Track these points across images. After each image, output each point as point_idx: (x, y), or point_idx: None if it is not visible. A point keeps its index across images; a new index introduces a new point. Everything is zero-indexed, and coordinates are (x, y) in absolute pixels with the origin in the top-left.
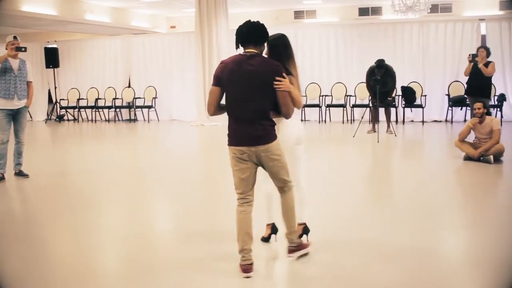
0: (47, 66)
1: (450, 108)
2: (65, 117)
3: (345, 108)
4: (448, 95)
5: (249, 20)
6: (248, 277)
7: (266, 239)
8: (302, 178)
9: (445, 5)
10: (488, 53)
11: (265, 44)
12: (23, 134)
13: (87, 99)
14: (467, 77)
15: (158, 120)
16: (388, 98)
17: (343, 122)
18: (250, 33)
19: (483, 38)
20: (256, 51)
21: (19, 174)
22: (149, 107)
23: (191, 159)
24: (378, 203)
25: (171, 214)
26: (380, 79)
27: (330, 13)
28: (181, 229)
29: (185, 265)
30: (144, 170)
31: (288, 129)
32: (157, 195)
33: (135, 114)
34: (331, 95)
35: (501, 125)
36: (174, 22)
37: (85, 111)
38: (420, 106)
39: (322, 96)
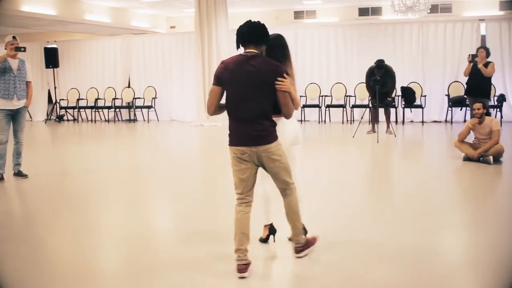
0: (47, 66)
1: (449, 109)
2: (65, 117)
3: (344, 109)
4: (448, 95)
5: (250, 20)
6: (242, 277)
7: (264, 240)
8: (299, 178)
9: (445, 5)
10: (488, 54)
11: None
12: (22, 134)
13: (86, 99)
14: (467, 78)
15: (158, 120)
16: (388, 99)
17: (342, 123)
18: (250, 33)
19: (483, 38)
20: (256, 51)
21: (18, 174)
22: (149, 107)
23: (191, 159)
24: (378, 203)
25: (171, 214)
26: (380, 79)
27: (330, 13)
28: (181, 229)
29: (185, 265)
30: (144, 170)
31: (284, 129)
32: (157, 195)
33: (134, 114)
34: (331, 96)
35: (501, 125)
36: (174, 22)
37: (84, 111)
38: (419, 106)
39: (322, 96)
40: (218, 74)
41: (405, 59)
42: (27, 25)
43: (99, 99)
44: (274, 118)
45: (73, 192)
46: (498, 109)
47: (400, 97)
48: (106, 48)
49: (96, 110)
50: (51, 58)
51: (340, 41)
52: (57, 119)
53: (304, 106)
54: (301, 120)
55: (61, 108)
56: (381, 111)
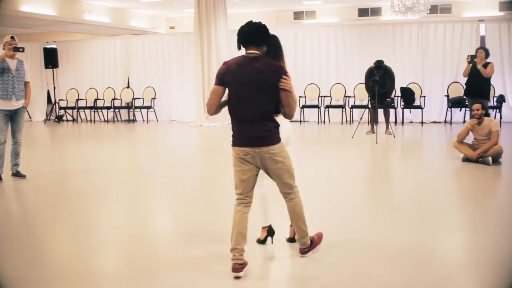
0: (46, 67)
1: (449, 109)
2: (64, 118)
3: (344, 109)
4: (447, 96)
5: (251, 21)
6: (237, 277)
7: (262, 241)
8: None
9: (444, 6)
10: (487, 54)
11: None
12: (21, 134)
13: (86, 99)
14: (466, 78)
15: (157, 120)
16: (387, 99)
17: (342, 123)
18: (252, 34)
19: (482, 39)
20: (258, 52)
21: (17, 174)
22: (148, 107)
23: (191, 160)
24: (378, 204)
25: (171, 214)
26: (379, 80)
27: (329, 14)
28: (181, 229)
29: (184, 265)
30: (143, 171)
31: None
32: (156, 195)
33: (134, 115)
34: (330, 96)
35: (500, 126)
36: (173, 22)
37: (84, 111)
38: (419, 107)
39: (321, 97)
40: (221, 75)
41: (404, 60)
42: (27, 25)
43: (99, 99)
44: None
45: (73, 192)
46: (497, 110)
47: (399, 97)
48: (106, 48)
49: (96, 110)
50: (51, 58)
51: (340, 41)
52: (56, 120)
53: (304, 106)
54: (301, 121)
55: (60, 108)
56: (380, 111)
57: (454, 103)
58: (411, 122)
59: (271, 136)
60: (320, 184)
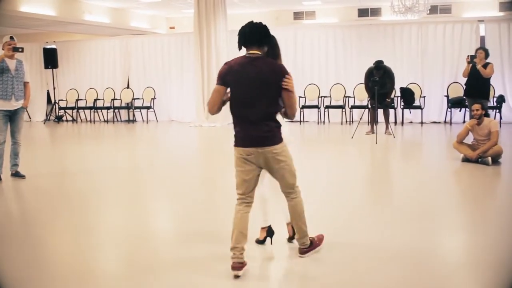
0: (46, 67)
1: (449, 110)
2: (64, 118)
3: (343, 109)
4: (447, 96)
5: (252, 21)
6: (237, 275)
7: (261, 242)
8: None
9: (444, 6)
10: (487, 54)
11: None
12: (20, 135)
13: (85, 99)
14: (466, 79)
15: (157, 120)
16: (387, 99)
17: (341, 123)
18: (253, 34)
19: (482, 39)
20: (259, 53)
21: (16, 175)
22: (148, 107)
23: (190, 160)
24: (378, 204)
25: (171, 214)
26: (379, 80)
27: (329, 14)
28: (181, 229)
29: (185, 265)
30: (143, 171)
31: None
32: (156, 195)
33: (133, 115)
34: (330, 96)
35: (500, 126)
36: (173, 22)
37: (83, 111)
38: (419, 107)
39: (321, 97)
40: (222, 74)
41: (404, 60)
42: (26, 25)
43: (98, 99)
44: None
45: (73, 192)
46: (497, 110)
47: (399, 98)
48: (106, 48)
49: (95, 110)
50: (50, 58)
51: (339, 42)
52: (56, 120)
53: (303, 107)
54: (300, 121)
55: (60, 108)
56: (380, 112)
57: (454, 103)
58: (411, 122)
59: (274, 136)
60: (320, 184)
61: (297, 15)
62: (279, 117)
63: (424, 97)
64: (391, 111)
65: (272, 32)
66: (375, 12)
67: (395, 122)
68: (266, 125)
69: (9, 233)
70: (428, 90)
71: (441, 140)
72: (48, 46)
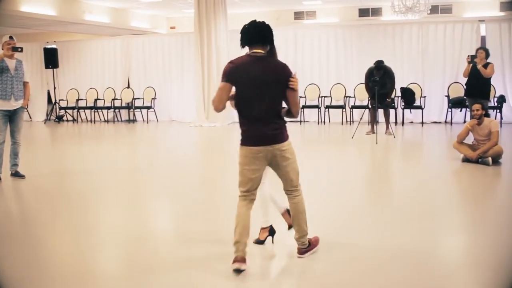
0: (47, 67)
1: (449, 110)
2: (64, 118)
3: (344, 109)
4: (448, 96)
5: (255, 20)
6: (239, 268)
7: (261, 242)
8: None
9: (445, 6)
10: (487, 54)
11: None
12: (19, 134)
13: (86, 99)
14: (466, 78)
15: (157, 120)
16: (387, 99)
17: (342, 123)
18: (256, 33)
19: (483, 39)
20: (263, 52)
21: (15, 175)
22: (148, 107)
23: (190, 160)
24: (378, 204)
25: (171, 214)
26: (379, 80)
27: (330, 14)
28: (181, 229)
29: (185, 265)
30: (143, 171)
31: None
32: (156, 195)
33: (134, 115)
34: (330, 96)
35: (501, 126)
36: (174, 22)
37: (84, 111)
38: (419, 107)
39: (321, 97)
40: (228, 73)
41: (404, 60)
42: (27, 25)
43: (99, 99)
44: None
45: (72, 193)
46: (498, 110)
47: (399, 98)
48: (106, 48)
49: (96, 110)
50: (51, 58)
51: (340, 41)
52: (56, 120)
53: (304, 106)
54: (301, 121)
55: (60, 108)
56: (381, 112)
57: (455, 103)
58: (412, 122)
59: (282, 134)
60: (320, 184)
61: (298, 15)
62: None
63: (424, 97)
64: (392, 111)
65: None
66: (376, 12)
67: (396, 122)
68: (275, 122)
69: (9, 233)
70: (428, 90)
71: (441, 140)
72: (49, 46)
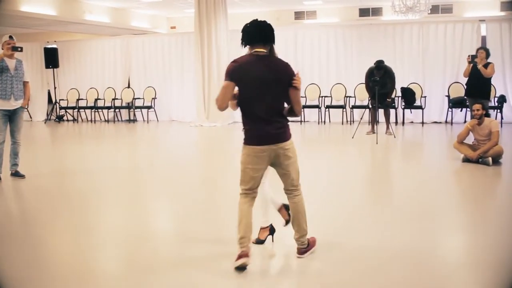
0: (47, 67)
1: (450, 110)
2: (65, 118)
3: (344, 109)
4: (448, 96)
5: (256, 19)
6: (245, 263)
7: (261, 242)
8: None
9: (445, 6)
10: (488, 54)
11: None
12: (19, 134)
13: (86, 99)
14: (467, 78)
15: (158, 120)
16: (388, 99)
17: (342, 123)
18: (258, 32)
19: (483, 39)
20: (265, 51)
21: (15, 174)
22: (149, 107)
23: (191, 160)
24: (378, 204)
25: (171, 214)
26: (379, 80)
27: (330, 14)
28: (181, 229)
29: (185, 265)
30: (143, 171)
31: None
32: (156, 195)
33: (134, 115)
34: (331, 96)
35: (501, 126)
36: (174, 22)
37: (84, 111)
38: (419, 107)
39: (322, 97)
40: (231, 72)
41: (405, 60)
42: (27, 25)
43: (99, 99)
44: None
45: (73, 192)
46: (498, 110)
47: (400, 98)
48: (106, 48)
49: (96, 110)
50: (51, 58)
51: (340, 41)
52: (57, 119)
53: (304, 106)
54: (301, 121)
55: (61, 108)
56: (381, 112)
57: (455, 103)
58: (412, 122)
59: (285, 133)
60: (320, 184)
61: (298, 15)
62: None
63: (425, 97)
64: (392, 111)
65: None
66: (376, 11)
67: (396, 122)
68: (279, 122)
69: (9, 233)
70: (429, 90)
71: (441, 140)
72: (49, 46)
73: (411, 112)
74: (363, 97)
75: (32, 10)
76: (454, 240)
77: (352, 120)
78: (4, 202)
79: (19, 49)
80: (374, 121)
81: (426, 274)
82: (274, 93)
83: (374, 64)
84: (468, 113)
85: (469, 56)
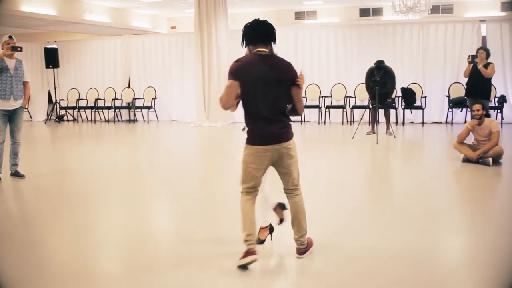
0: (47, 67)
1: (450, 110)
2: (65, 118)
3: (344, 109)
4: (449, 96)
5: (258, 19)
6: (254, 260)
7: (262, 241)
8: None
9: (446, 6)
10: (488, 54)
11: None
12: (19, 134)
13: (86, 99)
14: (467, 79)
15: (158, 120)
16: (388, 100)
17: (342, 123)
18: (261, 32)
19: (484, 39)
20: (267, 51)
21: (15, 174)
22: (149, 107)
23: (191, 160)
24: (378, 204)
25: (171, 214)
26: (380, 80)
27: (331, 14)
28: (181, 229)
29: (185, 264)
30: (143, 171)
31: None
32: (156, 195)
33: (134, 115)
34: (331, 96)
35: (502, 126)
36: (175, 22)
37: (84, 111)
38: (420, 107)
39: (322, 97)
40: (235, 71)
41: (405, 60)
42: (27, 25)
43: (99, 99)
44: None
45: (73, 192)
46: (498, 110)
47: (400, 98)
48: (106, 48)
49: (96, 110)
50: (51, 58)
51: (340, 41)
52: (57, 119)
53: (304, 106)
54: (301, 121)
55: (61, 108)
56: (381, 112)
57: (455, 103)
58: (412, 122)
59: (288, 132)
60: (320, 184)
61: (299, 15)
62: None
63: (425, 97)
64: (392, 111)
65: None
66: (377, 12)
67: (396, 122)
68: (282, 121)
69: (9, 233)
70: (429, 90)
71: (442, 141)
72: (49, 46)
73: (411, 112)
74: (363, 97)
75: (32, 10)
76: (454, 240)
77: (352, 120)
78: (4, 202)
79: (19, 49)
80: (374, 121)
81: (426, 274)
82: (278, 92)
83: (374, 64)
84: (469, 113)
85: (469, 56)
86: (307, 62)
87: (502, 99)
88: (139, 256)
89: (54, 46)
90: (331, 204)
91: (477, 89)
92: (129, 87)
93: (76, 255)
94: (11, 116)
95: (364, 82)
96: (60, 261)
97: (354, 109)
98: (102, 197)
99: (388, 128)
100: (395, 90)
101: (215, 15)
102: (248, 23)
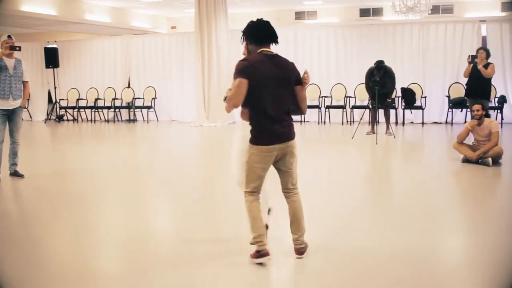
0: (47, 66)
1: (450, 110)
2: (65, 117)
3: (344, 109)
4: (448, 96)
5: (261, 19)
6: (267, 260)
7: None
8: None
9: (446, 6)
10: (488, 55)
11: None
12: (18, 134)
13: (86, 99)
14: (467, 79)
15: (158, 120)
16: (388, 100)
17: (342, 124)
18: (267, 32)
19: (484, 39)
20: (271, 51)
21: (14, 174)
22: (149, 107)
23: (191, 160)
24: (378, 204)
25: (171, 214)
26: (379, 80)
27: (331, 14)
28: (181, 228)
29: (185, 264)
30: (143, 170)
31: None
32: (157, 195)
33: (134, 115)
34: (331, 96)
35: (502, 127)
36: (175, 22)
37: (84, 111)
38: (420, 107)
39: (322, 97)
40: (244, 69)
41: (405, 60)
42: (27, 25)
43: (99, 99)
44: (243, 119)
45: (73, 192)
46: (498, 111)
47: (400, 98)
48: (106, 48)
49: (96, 110)
50: (51, 58)
51: (340, 41)
52: (57, 119)
53: None
54: (301, 121)
55: (61, 108)
56: (381, 112)
57: (455, 103)
58: (412, 122)
59: (292, 131)
60: (320, 184)
61: (299, 15)
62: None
63: (425, 97)
64: (392, 111)
65: None
66: (377, 12)
67: (396, 122)
68: (285, 120)
69: (9, 233)
70: (429, 90)
71: (441, 141)
72: (49, 46)
73: (411, 113)
74: (363, 97)
75: (32, 10)
76: (454, 240)
77: (352, 120)
78: (3, 202)
79: (18, 48)
80: (374, 121)
81: (426, 274)
82: (283, 91)
83: (374, 64)
84: (468, 114)
85: (469, 56)
86: (307, 62)
87: (502, 99)
88: (139, 256)
89: (54, 46)
90: (331, 204)
91: (477, 89)
92: (129, 87)
93: (76, 255)
94: (10, 116)
95: (364, 82)
96: (60, 261)
97: (354, 109)
98: (102, 197)
99: (388, 128)
100: (395, 90)
101: (215, 15)
102: (252, 22)
